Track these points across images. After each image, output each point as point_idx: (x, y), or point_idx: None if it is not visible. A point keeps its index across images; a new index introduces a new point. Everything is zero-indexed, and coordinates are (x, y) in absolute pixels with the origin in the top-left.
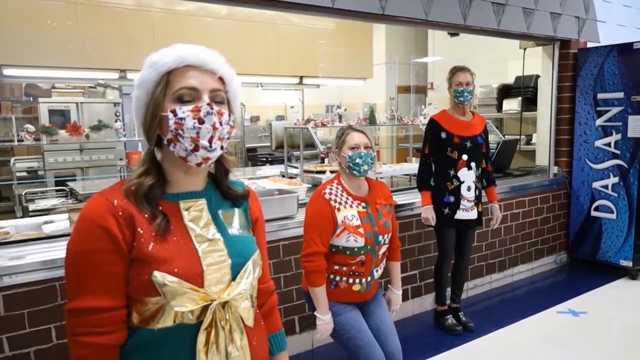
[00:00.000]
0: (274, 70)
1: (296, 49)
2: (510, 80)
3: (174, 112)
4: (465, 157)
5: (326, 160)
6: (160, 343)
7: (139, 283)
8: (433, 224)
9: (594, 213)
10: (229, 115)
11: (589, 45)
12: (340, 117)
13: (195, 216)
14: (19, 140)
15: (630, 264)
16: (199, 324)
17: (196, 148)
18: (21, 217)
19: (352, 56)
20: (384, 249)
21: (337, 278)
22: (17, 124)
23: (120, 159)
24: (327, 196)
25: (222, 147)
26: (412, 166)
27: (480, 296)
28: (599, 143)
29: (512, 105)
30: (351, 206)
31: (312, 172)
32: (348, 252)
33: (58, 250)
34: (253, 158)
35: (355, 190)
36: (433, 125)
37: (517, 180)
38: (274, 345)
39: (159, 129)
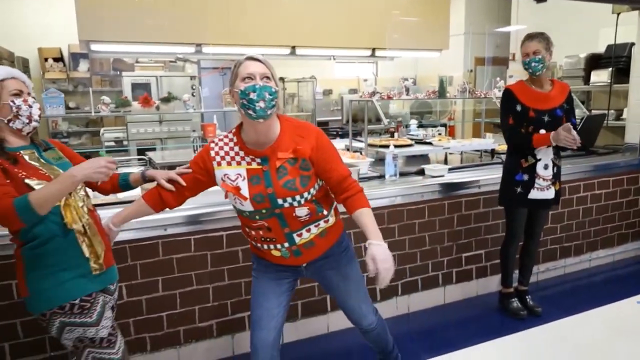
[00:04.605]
0: (345, 42)
1: (369, 20)
2: (600, 49)
3: None
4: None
5: (395, 134)
6: None
7: None
8: (577, 141)
9: None
10: None
11: None
12: (407, 89)
13: None
14: (95, 112)
15: None
16: None
17: None
18: None
19: (426, 26)
20: (301, 211)
21: (254, 243)
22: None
23: (194, 131)
24: (212, 145)
25: None
26: (483, 142)
27: (552, 281)
28: None
29: (601, 77)
30: (239, 163)
31: (376, 145)
32: (245, 215)
33: None
34: (324, 132)
35: (254, 140)
36: (508, 96)
37: (601, 159)
38: None
39: None
